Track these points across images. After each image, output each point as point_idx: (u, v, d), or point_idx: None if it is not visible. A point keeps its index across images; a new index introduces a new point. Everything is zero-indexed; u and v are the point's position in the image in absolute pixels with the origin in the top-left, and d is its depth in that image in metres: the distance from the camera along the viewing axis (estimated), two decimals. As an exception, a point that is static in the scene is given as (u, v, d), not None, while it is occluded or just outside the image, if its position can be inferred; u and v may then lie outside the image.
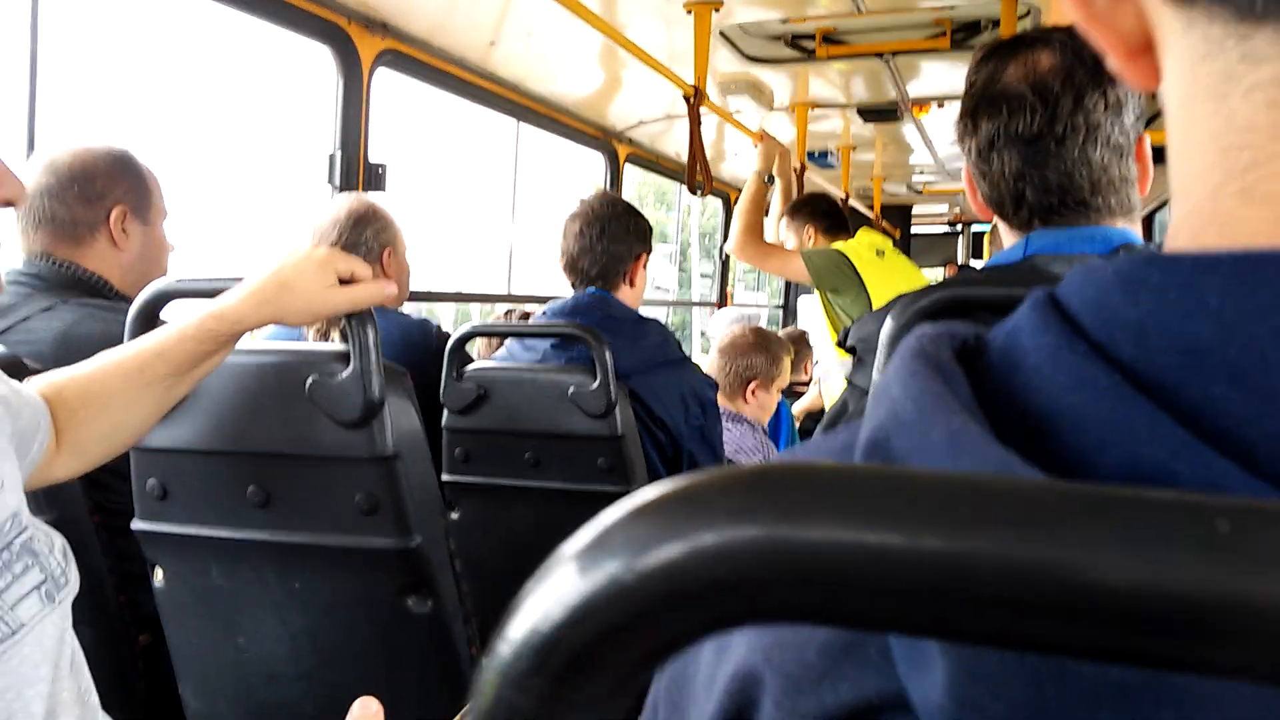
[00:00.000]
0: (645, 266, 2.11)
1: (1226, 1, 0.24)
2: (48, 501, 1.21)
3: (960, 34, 2.88)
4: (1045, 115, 0.97)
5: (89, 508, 1.27)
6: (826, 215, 3.20)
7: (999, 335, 0.26)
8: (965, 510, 0.17)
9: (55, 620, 0.78)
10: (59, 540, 0.82)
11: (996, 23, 2.75)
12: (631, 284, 2.07)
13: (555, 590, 0.18)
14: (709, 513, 0.17)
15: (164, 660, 1.29)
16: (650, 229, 2.13)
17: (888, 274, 2.81)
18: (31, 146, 1.72)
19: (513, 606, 0.19)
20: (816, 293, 3.03)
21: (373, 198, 1.94)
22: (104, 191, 1.47)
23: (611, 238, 2.02)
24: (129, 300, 1.51)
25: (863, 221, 3.53)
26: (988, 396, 0.24)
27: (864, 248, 2.88)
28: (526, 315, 2.64)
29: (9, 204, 0.68)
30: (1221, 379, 0.21)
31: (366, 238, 1.82)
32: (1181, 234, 0.26)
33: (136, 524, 1.20)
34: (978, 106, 1.03)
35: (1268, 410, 0.21)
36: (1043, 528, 0.16)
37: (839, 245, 2.91)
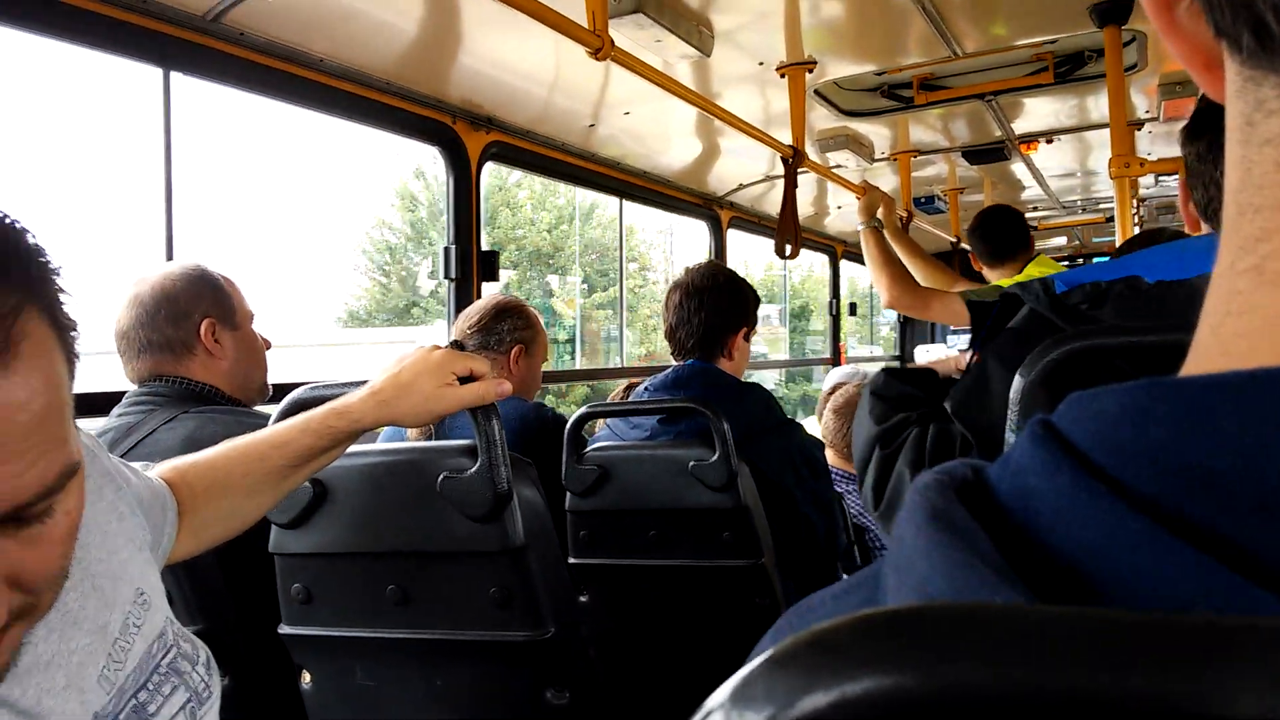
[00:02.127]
0: (747, 339, 2.09)
1: (1235, 40, 0.22)
2: (199, 610, 1.27)
3: (1064, 67, 2.81)
4: None
5: (236, 615, 1.32)
6: (986, 238, 2.98)
7: (1004, 476, 0.25)
8: (1119, 647, 0.16)
9: None
10: (204, 653, 0.84)
11: (1100, 52, 2.67)
12: (730, 356, 2.06)
13: None
14: (849, 661, 0.17)
15: (315, 759, 1.31)
16: (754, 301, 2.11)
17: None
18: (170, 254, 1.84)
19: None
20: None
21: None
22: (189, 310, 1.57)
23: (711, 310, 2.01)
24: (240, 404, 1.59)
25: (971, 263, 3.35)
26: (1011, 549, 0.23)
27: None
28: (629, 388, 2.64)
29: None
30: (1253, 511, 0.20)
31: (503, 329, 1.88)
32: (1204, 326, 0.25)
33: (283, 629, 1.24)
34: (1202, 117, 1.05)
35: None
36: (1189, 662, 0.16)
37: (1003, 282, 2.70)
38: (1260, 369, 0.21)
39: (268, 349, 1.70)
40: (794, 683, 0.17)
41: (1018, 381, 1.03)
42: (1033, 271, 2.76)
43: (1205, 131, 1.04)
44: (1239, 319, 0.24)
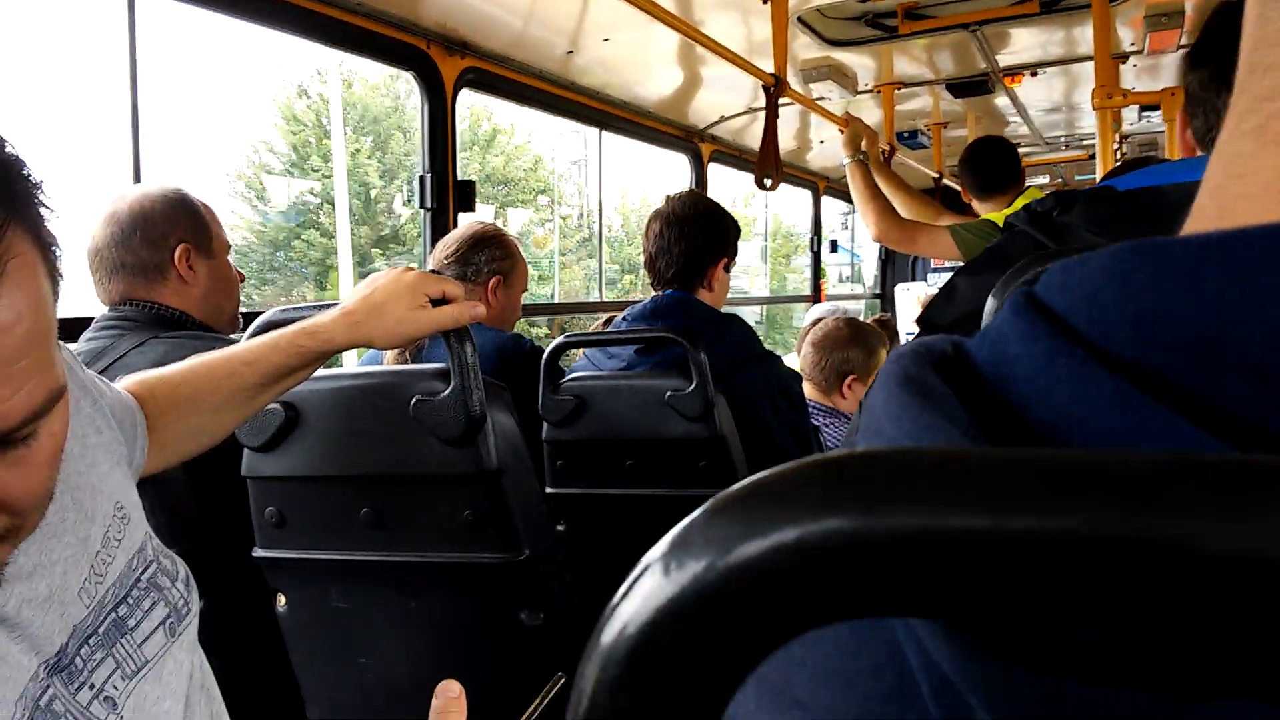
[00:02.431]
0: (727, 270, 2.07)
1: None
2: (170, 534, 1.26)
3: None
4: None
5: (209, 538, 1.32)
6: (977, 170, 2.90)
7: (983, 346, 0.25)
8: (1058, 485, 0.16)
9: (176, 653, 0.79)
10: (183, 569, 0.84)
11: (1088, -16, 2.63)
12: (710, 288, 2.04)
13: (641, 594, 0.18)
14: (787, 507, 0.17)
15: (288, 682, 1.32)
16: (735, 232, 2.09)
17: None
18: (138, 176, 1.80)
19: (604, 612, 0.19)
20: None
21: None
22: (165, 233, 1.54)
23: (691, 240, 1.99)
24: (211, 330, 1.57)
25: (954, 198, 3.32)
26: (984, 416, 0.22)
27: None
28: (608, 320, 2.63)
29: None
30: (1233, 370, 0.20)
31: (480, 260, 1.85)
32: (1204, 191, 0.25)
33: (257, 551, 1.24)
34: (1205, 43, 1.05)
35: None
36: (1158, 498, 0.16)
37: (993, 215, 2.64)
38: (1249, 226, 0.20)
39: (241, 282, 1.68)
40: (731, 530, 0.17)
41: (991, 303, 1.03)
42: (1021, 204, 2.73)
43: (1210, 58, 1.04)
44: (1239, 181, 0.23)
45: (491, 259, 1.89)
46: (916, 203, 3.19)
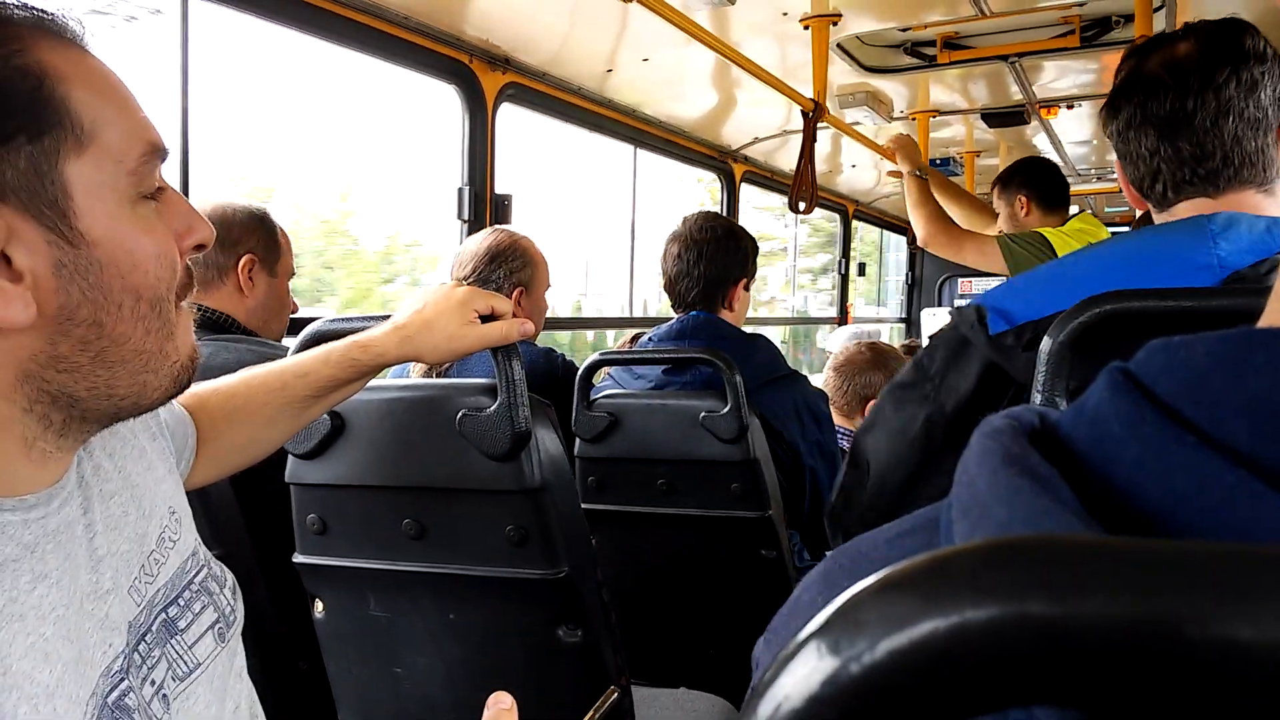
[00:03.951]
0: (747, 289, 2.08)
1: None
2: (213, 536, 1.27)
3: (1090, 31, 2.77)
4: (1177, 93, 1.01)
5: (250, 542, 1.33)
6: (1043, 183, 2.82)
7: (1078, 423, 0.24)
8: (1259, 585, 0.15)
9: (224, 659, 0.80)
10: (230, 577, 0.85)
11: (1128, 17, 2.63)
12: (730, 308, 2.05)
13: (803, 669, 0.17)
14: (971, 587, 0.16)
15: (323, 688, 1.33)
16: (753, 252, 2.09)
17: None
18: (185, 188, 1.83)
19: (760, 683, 0.18)
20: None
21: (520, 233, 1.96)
22: (238, 240, 1.57)
23: (709, 261, 2.00)
24: (255, 335, 1.59)
25: (1050, 173, 3.16)
26: (1087, 496, 0.22)
27: (1073, 235, 2.51)
28: (635, 338, 2.63)
29: (202, 247, 0.72)
30: None
31: (499, 275, 1.85)
32: None
33: (298, 557, 1.25)
34: (1118, 94, 1.08)
35: None
36: None
37: (1045, 230, 2.56)
38: None
39: (293, 312, 1.71)
40: (910, 606, 0.16)
41: (1047, 342, 1.02)
42: (1077, 226, 2.62)
43: (1125, 105, 1.05)
44: None
45: (510, 271, 1.87)
46: (973, 211, 3.18)
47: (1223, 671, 0.15)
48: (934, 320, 5.15)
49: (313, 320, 1.22)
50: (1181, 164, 1.03)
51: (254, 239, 1.60)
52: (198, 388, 1.01)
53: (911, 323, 5.77)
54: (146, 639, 0.72)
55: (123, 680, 0.67)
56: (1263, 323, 0.28)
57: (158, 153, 0.66)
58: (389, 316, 1.08)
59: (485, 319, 1.08)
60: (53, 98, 0.60)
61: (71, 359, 0.62)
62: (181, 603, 0.77)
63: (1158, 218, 1.09)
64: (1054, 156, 4.39)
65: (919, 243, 2.88)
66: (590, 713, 0.80)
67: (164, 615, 0.75)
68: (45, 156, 0.60)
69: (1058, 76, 3.15)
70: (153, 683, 0.71)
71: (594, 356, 1.91)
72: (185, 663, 0.75)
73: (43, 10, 0.64)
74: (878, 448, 1.11)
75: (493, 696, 0.70)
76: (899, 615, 0.17)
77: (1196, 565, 0.16)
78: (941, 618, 0.16)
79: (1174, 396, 0.22)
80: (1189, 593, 0.16)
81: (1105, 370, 0.25)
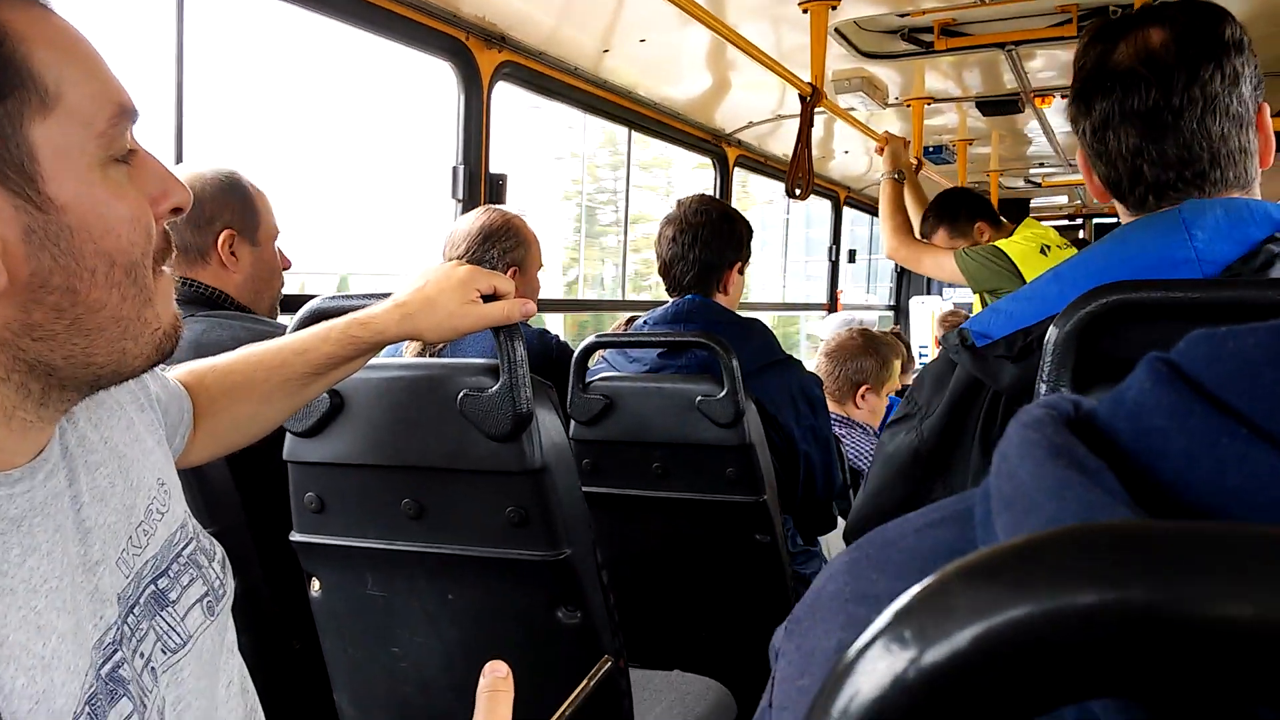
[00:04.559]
0: (741, 273, 2.08)
1: None
2: (208, 514, 1.26)
3: (1088, 20, 2.76)
4: (1160, 89, 0.95)
5: (246, 520, 1.32)
6: (986, 209, 3.03)
7: (1118, 414, 0.24)
8: None
9: (213, 634, 0.79)
10: (219, 551, 0.84)
11: (1125, 7, 2.63)
12: (725, 291, 2.05)
13: (885, 657, 0.16)
14: (1068, 573, 0.16)
15: (318, 667, 1.32)
16: (748, 235, 2.09)
17: None
18: (179, 158, 1.80)
19: (836, 670, 0.18)
20: (974, 296, 2.85)
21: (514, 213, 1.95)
22: (211, 216, 1.53)
23: (704, 245, 2.00)
24: (250, 311, 1.57)
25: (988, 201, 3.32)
26: (1133, 488, 0.22)
27: (1026, 243, 2.64)
28: (629, 321, 2.62)
29: (179, 211, 0.71)
30: None
31: (493, 255, 1.84)
32: None
33: (294, 536, 1.24)
34: (1088, 87, 1.01)
35: None
36: None
37: (999, 242, 2.70)
38: None
39: (286, 269, 1.67)
40: (1001, 592, 0.16)
41: (1053, 332, 1.02)
42: (1024, 232, 2.76)
43: (1098, 101, 0.99)
44: None
45: (504, 251, 1.86)
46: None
47: None
48: (923, 308, 5.16)
49: (311, 297, 1.20)
50: (1167, 167, 0.97)
51: (228, 211, 1.55)
52: (196, 364, 1.00)
53: (900, 310, 5.79)
54: (135, 611, 0.71)
55: (116, 652, 0.67)
56: None
57: (127, 114, 0.65)
58: (389, 294, 1.07)
59: (486, 298, 1.07)
60: (13, 59, 0.58)
61: (46, 327, 0.61)
62: (170, 574, 0.76)
63: (1127, 218, 1.05)
64: (1045, 146, 4.40)
65: (886, 253, 2.99)
66: (584, 681, 0.79)
67: (153, 587, 0.74)
68: (9, 119, 0.58)
69: (1053, 66, 3.15)
70: (141, 655, 0.70)
71: (590, 338, 1.91)
72: (177, 635, 0.75)
73: None
74: (874, 476, 1.11)
75: (489, 665, 0.69)
76: (989, 601, 0.16)
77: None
78: (1035, 603, 0.16)
79: (1222, 388, 0.22)
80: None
81: (1144, 361, 0.25)
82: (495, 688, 0.68)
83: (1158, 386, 0.23)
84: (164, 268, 0.70)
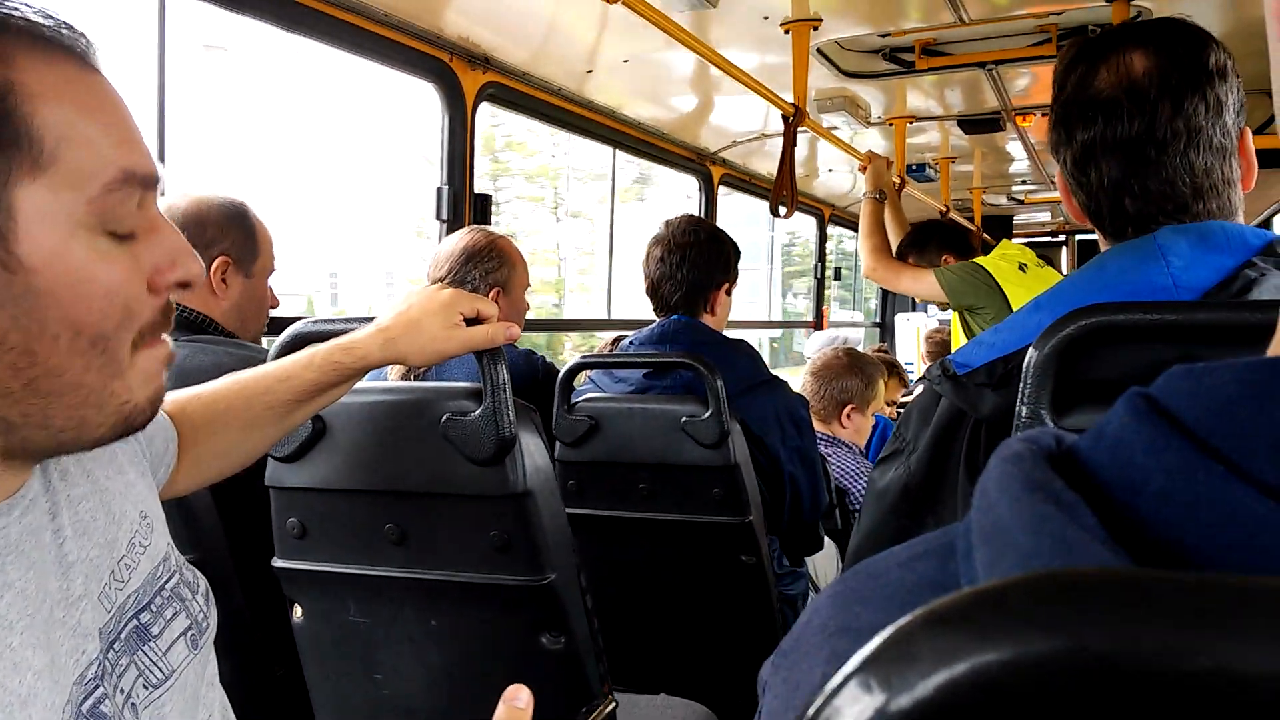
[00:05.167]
0: (729, 294, 2.08)
1: None
2: (190, 540, 1.25)
3: (1067, 40, 2.79)
4: (1144, 122, 0.94)
5: (228, 546, 1.30)
6: (958, 239, 3.10)
7: (1098, 449, 0.24)
8: None
9: (196, 667, 0.78)
10: (203, 583, 0.83)
11: (1104, 28, 2.65)
12: (713, 312, 2.05)
13: (852, 702, 0.17)
14: (1026, 621, 0.16)
15: (299, 693, 1.31)
16: (735, 255, 2.10)
17: (1034, 290, 2.62)
18: (160, 158, 1.79)
19: (808, 715, 0.18)
20: (953, 312, 2.87)
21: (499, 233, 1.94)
22: (211, 240, 1.53)
23: (693, 265, 2.00)
24: (234, 337, 1.56)
25: (963, 234, 3.39)
26: (1110, 524, 0.22)
27: (1005, 261, 2.66)
28: (615, 342, 2.63)
29: (187, 285, 0.69)
30: None
31: (475, 276, 1.83)
32: None
33: (276, 562, 1.23)
34: (1070, 115, 0.99)
35: None
36: None
37: (978, 259, 2.72)
38: None
39: (273, 307, 1.67)
40: (962, 640, 0.16)
41: (1032, 354, 1.02)
42: (1002, 251, 2.78)
43: (1079, 129, 0.97)
44: None
45: (486, 272, 1.85)
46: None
47: None
48: (908, 325, 5.18)
49: (295, 320, 1.20)
50: (1149, 201, 0.96)
51: (228, 239, 1.55)
52: (179, 394, 1.00)
53: (886, 327, 5.81)
54: (115, 646, 0.70)
55: (98, 688, 0.66)
56: (1271, 352, 0.27)
57: (134, 180, 0.63)
58: (373, 318, 1.07)
59: (470, 322, 1.07)
60: (13, 116, 0.57)
61: (3, 383, 0.60)
62: (154, 609, 0.75)
63: (1105, 244, 1.04)
64: (1027, 164, 4.44)
65: (864, 273, 3.03)
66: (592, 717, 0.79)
67: (135, 622, 0.73)
68: None
69: (1034, 84, 3.18)
70: (121, 690, 0.69)
71: (575, 359, 1.90)
72: (159, 670, 0.74)
73: (43, 19, 0.61)
74: (867, 513, 1.10)
75: (510, 690, 0.68)
76: (950, 649, 0.16)
77: (1263, 601, 0.16)
78: (995, 652, 0.16)
79: (1200, 425, 0.22)
80: (1254, 631, 0.15)
81: (1125, 396, 0.25)
82: (513, 717, 0.67)
83: (1137, 421, 0.23)
84: (162, 339, 0.68)
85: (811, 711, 0.18)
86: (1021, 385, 1.05)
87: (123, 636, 0.71)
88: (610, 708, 0.86)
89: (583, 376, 2.05)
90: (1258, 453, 0.21)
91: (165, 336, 0.69)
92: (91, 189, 0.61)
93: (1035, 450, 0.25)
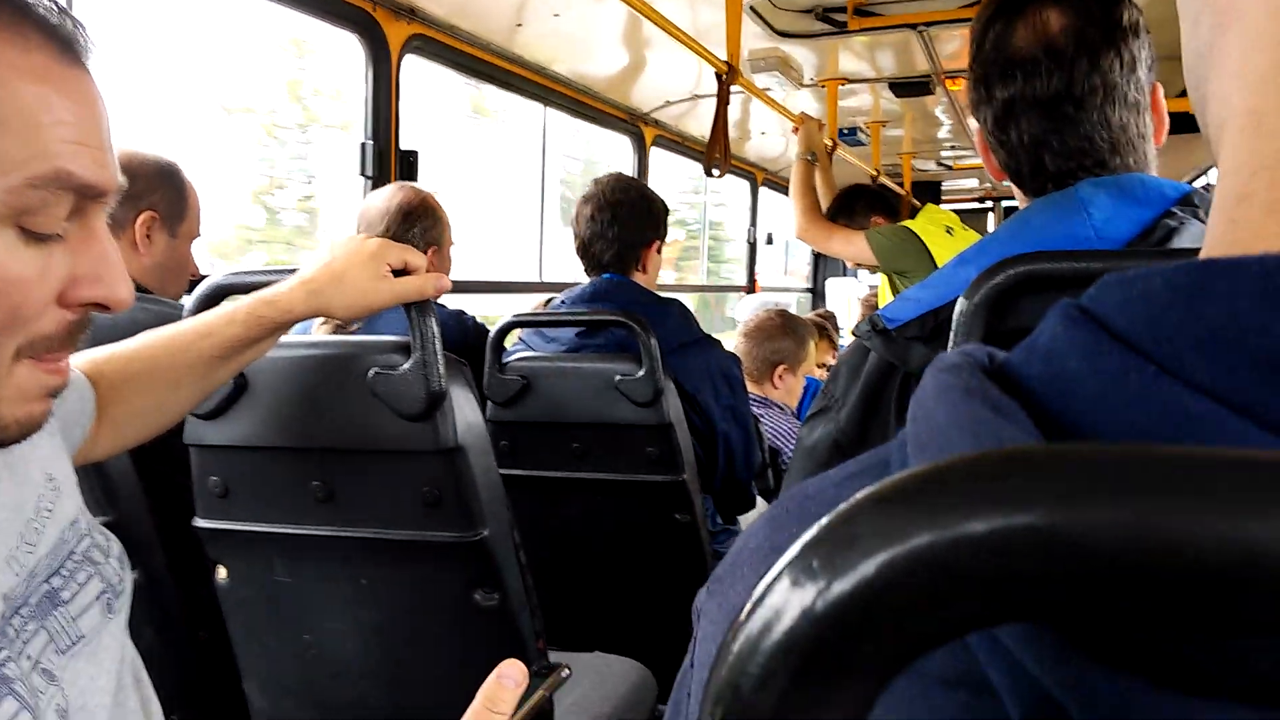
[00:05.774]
0: (659, 252, 2.08)
1: None
2: (107, 501, 1.20)
3: None
4: (1062, 79, 0.95)
5: (148, 506, 1.26)
6: (884, 202, 3.11)
7: (1031, 360, 0.24)
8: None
9: (113, 631, 0.75)
10: (116, 546, 0.80)
11: (1033, -10, 2.69)
12: (644, 270, 2.05)
13: (793, 585, 0.16)
14: (971, 498, 0.15)
15: (225, 657, 1.27)
16: (665, 213, 2.10)
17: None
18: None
19: (754, 598, 0.17)
20: (881, 276, 2.91)
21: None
22: (140, 193, 1.47)
23: (623, 224, 1.99)
24: (152, 294, 1.50)
25: (889, 197, 3.43)
26: (1050, 432, 0.22)
27: (932, 225, 2.71)
28: (547, 302, 2.60)
29: (102, 308, 0.66)
30: None
31: (414, 234, 1.80)
32: (1220, 219, 0.25)
33: (198, 522, 1.19)
34: (989, 74, 1.00)
35: None
36: None
37: (907, 223, 2.77)
38: None
39: (194, 276, 1.61)
40: (906, 518, 0.16)
41: (961, 303, 1.03)
42: (927, 215, 2.83)
43: (998, 88, 0.98)
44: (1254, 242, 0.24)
45: (424, 230, 1.82)
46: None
47: (1234, 579, 0.14)
48: (839, 289, 5.24)
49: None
50: (1068, 157, 0.97)
51: (157, 194, 1.50)
52: (94, 352, 0.95)
53: (818, 293, 5.87)
54: (22, 612, 0.67)
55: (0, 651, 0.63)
56: (1205, 253, 0.27)
57: (69, 184, 0.59)
58: (295, 270, 1.03)
59: (397, 273, 1.04)
60: None
61: None
62: (64, 573, 0.72)
63: (1024, 202, 1.05)
64: (955, 128, 4.50)
65: (795, 234, 3.03)
66: (541, 691, 0.77)
67: (46, 586, 0.70)
68: None
69: (963, 47, 3.22)
70: (28, 657, 0.66)
71: (507, 318, 1.88)
72: (68, 635, 0.71)
73: (44, 2, 0.58)
74: (795, 470, 1.10)
75: (505, 664, 0.67)
76: (895, 529, 0.16)
77: (1210, 469, 0.15)
78: (940, 530, 0.15)
79: (1132, 329, 0.22)
80: (1201, 497, 0.15)
81: (1056, 307, 0.25)
82: (497, 694, 0.66)
83: (1069, 329, 0.23)
84: (59, 363, 0.63)
85: (751, 603, 0.17)
86: (952, 336, 1.06)
87: (31, 602, 0.68)
88: (566, 675, 0.85)
89: (514, 336, 2.02)
90: (1187, 351, 0.21)
91: (66, 363, 0.64)
92: (13, 179, 0.56)
93: (971, 361, 0.25)
